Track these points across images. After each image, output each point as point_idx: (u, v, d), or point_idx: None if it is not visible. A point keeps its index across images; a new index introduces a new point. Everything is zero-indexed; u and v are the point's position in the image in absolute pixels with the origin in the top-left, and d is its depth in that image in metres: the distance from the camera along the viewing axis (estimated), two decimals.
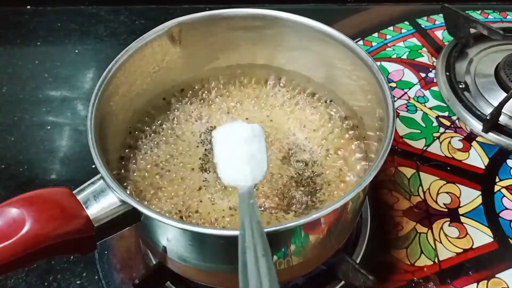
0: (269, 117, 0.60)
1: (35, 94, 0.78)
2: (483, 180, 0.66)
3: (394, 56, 0.81)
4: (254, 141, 0.48)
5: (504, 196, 0.65)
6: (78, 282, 0.59)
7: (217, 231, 0.43)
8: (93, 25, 0.88)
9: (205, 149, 0.57)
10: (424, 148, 0.69)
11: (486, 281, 0.58)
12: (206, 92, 0.62)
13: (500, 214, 0.63)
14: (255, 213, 0.41)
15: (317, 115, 0.60)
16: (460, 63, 0.78)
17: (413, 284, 0.57)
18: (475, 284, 0.57)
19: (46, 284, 0.59)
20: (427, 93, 0.76)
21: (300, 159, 0.56)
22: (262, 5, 0.86)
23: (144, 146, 0.57)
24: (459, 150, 0.69)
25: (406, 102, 0.75)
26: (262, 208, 0.52)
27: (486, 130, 0.70)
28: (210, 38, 0.59)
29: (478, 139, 0.70)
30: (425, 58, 0.81)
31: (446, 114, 0.73)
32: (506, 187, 0.65)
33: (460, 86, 0.74)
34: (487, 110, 0.70)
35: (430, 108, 0.74)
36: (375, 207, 0.63)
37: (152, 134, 0.58)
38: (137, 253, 0.60)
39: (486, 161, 0.68)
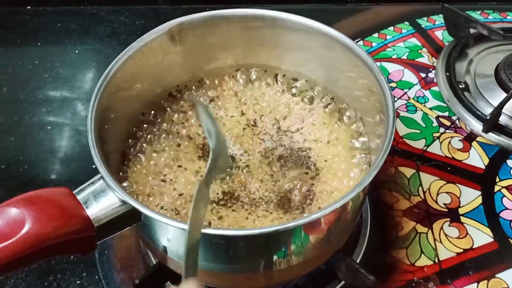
0: (268, 117, 0.60)
1: (35, 94, 0.78)
2: (483, 180, 0.66)
3: (394, 56, 0.81)
4: None
5: (504, 196, 0.64)
6: (78, 282, 0.59)
7: (217, 231, 0.43)
8: (93, 25, 0.88)
9: (205, 150, 0.57)
10: (424, 148, 0.69)
11: (486, 281, 0.58)
12: (206, 92, 0.62)
13: (500, 214, 0.63)
14: None
15: (317, 115, 0.60)
16: (460, 63, 0.78)
17: (413, 284, 0.57)
18: (475, 284, 0.57)
19: (46, 284, 0.59)
20: (427, 93, 0.76)
21: (298, 160, 0.56)
22: (262, 5, 0.86)
23: (145, 146, 0.57)
24: (459, 150, 0.69)
25: (406, 102, 0.75)
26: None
27: (486, 130, 0.70)
28: (210, 38, 0.59)
29: (478, 139, 0.70)
30: (425, 58, 0.81)
31: (446, 114, 0.73)
32: (506, 187, 0.65)
33: (460, 86, 0.74)
34: (487, 110, 0.70)
35: (430, 108, 0.74)
36: (375, 207, 0.63)
37: (153, 134, 0.58)
38: (137, 253, 0.60)
39: (486, 161, 0.68)
